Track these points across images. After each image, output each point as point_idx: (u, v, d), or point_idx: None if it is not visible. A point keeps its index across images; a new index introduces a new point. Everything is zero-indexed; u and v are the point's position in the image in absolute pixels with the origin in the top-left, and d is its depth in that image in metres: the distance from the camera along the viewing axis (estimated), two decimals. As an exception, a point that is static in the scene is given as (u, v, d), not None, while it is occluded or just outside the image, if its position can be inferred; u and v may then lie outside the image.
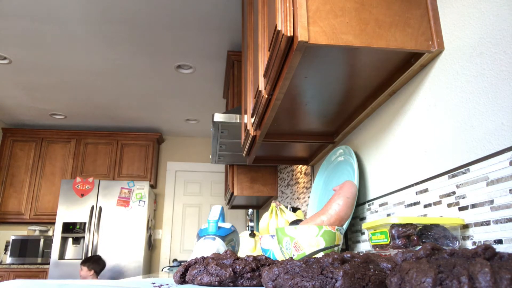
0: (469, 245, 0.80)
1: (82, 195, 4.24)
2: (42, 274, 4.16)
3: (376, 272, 0.39)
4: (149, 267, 4.67)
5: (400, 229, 0.78)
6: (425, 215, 0.95)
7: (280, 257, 1.18)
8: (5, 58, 3.28)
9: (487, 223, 0.75)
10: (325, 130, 1.55)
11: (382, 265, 0.43)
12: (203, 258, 0.58)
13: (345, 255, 0.41)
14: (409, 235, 0.78)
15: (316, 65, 1.01)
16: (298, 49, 0.88)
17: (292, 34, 0.88)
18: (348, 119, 1.40)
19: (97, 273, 3.52)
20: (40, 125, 4.91)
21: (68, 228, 4.14)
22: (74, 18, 2.74)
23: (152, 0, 2.55)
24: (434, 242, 0.78)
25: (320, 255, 0.89)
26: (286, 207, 1.58)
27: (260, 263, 0.55)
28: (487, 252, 0.31)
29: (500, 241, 0.71)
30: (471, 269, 0.29)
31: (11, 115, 4.61)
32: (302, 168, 2.25)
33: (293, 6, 0.89)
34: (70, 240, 4.15)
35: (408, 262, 0.33)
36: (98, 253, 4.08)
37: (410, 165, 1.05)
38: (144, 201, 4.35)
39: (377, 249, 0.84)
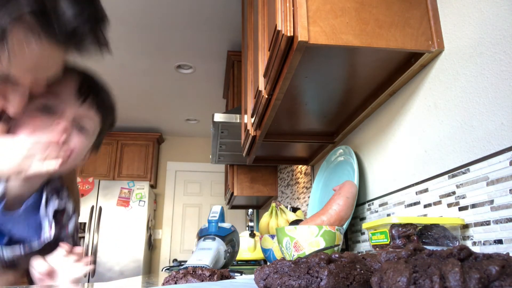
0: (469, 245, 0.80)
1: (82, 195, 4.24)
2: (42, 274, 4.15)
3: (362, 271, 0.40)
4: (149, 267, 4.67)
5: (400, 229, 0.78)
6: (425, 215, 0.95)
7: (280, 258, 1.18)
8: (5, 58, 3.28)
9: (487, 223, 0.75)
10: (325, 130, 1.55)
11: (376, 265, 0.44)
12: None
13: (333, 255, 0.42)
14: (409, 235, 0.78)
15: (316, 65, 1.01)
16: (298, 49, 0.88)
17: (292, 34, 0.88)
18: (348, 119, 1.40)
19: None
20: (40, 125, 4.91)
21: (68, 228, 4.13)
22: (74, 18, 2.74)
23: (152, 0, 2.55)
24: (434, 242, 0.78)
25: (320, 255, 0.89)
26: (286, 207, 1.58)
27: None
28: (462, 253, 0.32)
29: (500, 241, 0.71)
30: (443, 269, 0.30)
31: (11, 115, 4.61)
32: (302, 168, 2.25)
33: (293, 6, 0.89)
34: (70, 240, 4.15)
35: (388, 262, 0.34)
36: (98, 253, 4.08)
37: (410, 165, 1.05)
38: (144, 201, 4.35)
39: (377, 249, 0.84)
